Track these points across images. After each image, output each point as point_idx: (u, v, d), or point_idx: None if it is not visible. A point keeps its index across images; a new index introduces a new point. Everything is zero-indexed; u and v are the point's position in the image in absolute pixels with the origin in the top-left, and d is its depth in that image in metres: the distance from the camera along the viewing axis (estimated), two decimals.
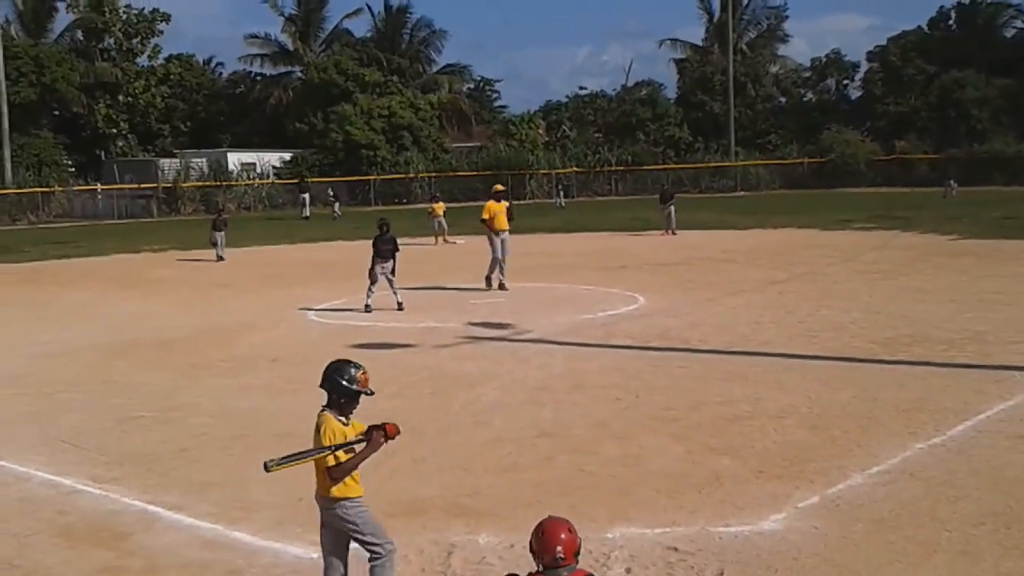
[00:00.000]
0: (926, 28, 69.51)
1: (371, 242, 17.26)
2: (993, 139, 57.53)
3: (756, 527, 6.69)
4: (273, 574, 6.15)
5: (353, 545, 5.30)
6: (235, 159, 57.58)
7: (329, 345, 14.05)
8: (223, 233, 27.32)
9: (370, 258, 16.97)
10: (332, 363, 5.38)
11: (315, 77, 61.87)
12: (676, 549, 6.33)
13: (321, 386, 5.31)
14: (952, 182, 45.74)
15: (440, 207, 31.58)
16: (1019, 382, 10.41)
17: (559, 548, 4.17)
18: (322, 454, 5.11)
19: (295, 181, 50.00)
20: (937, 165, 55.73)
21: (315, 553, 6.44)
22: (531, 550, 4.28)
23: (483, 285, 19.15)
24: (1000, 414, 9.23)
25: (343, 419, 5.26)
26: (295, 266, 25.48)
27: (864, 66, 71.88)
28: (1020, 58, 61.06)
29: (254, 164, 57.27)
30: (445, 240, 30.61)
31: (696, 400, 10.16)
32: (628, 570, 6.05)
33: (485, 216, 19.77)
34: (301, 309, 17.41)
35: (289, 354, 13.52)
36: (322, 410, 5.26)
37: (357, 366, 5.38)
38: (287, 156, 58.70)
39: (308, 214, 44.57)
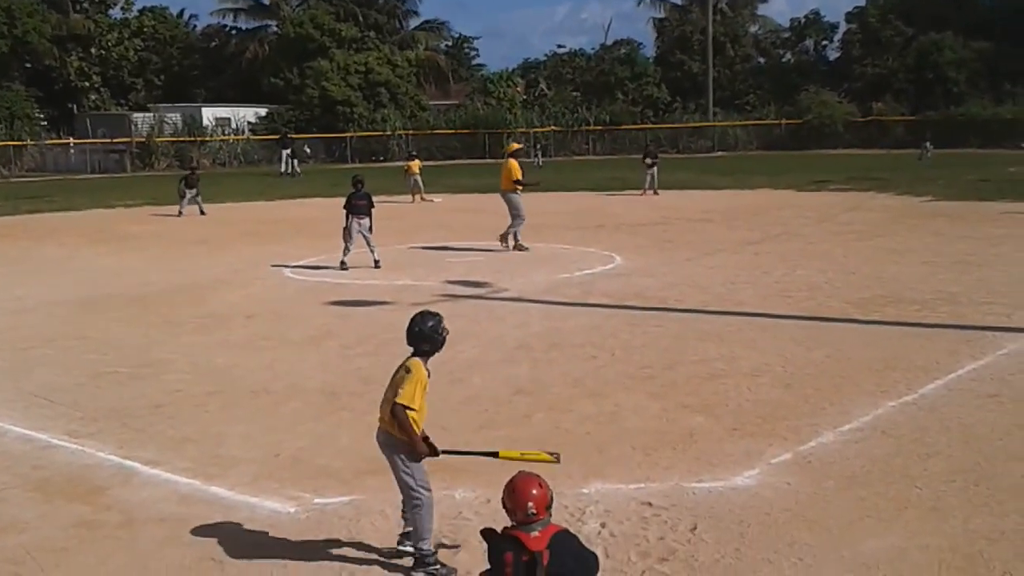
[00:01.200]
0: None
1: (345, 199, 17.14)
2: (969, 102, 57.66)
3: (729, 483, 6.77)
4: (250, 528, 6.17)
5: None
6: (209, 114, 56.89)
7: (305, 302, 14.04)
8: (195, 191, 27.14)
9: (344, 215, 16.87)
10: (420, 316, 5.60)
11: (291, 31, 61.11)
12: (650, 504, 6.41)
13: (412, 340, 5.54)
14: (928, 144, 45.89)
15: (416, 165, 31.41)
16: (991, 342, 10.54)
17: (531, 504, 4.22)
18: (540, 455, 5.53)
19: (276, 137, 49.40)
20: (913, 127, 55.87)
21: (292, 507, 6.50)
22: (504, 506, 4.32)
23: (502, 245, 18.65)
24: (971, 373, 9.35)
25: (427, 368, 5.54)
26: (271, 223, 25.31)
27: (843, 27, 71.89)
28: (997, 21, 61.08)
29: (229, 119, 56.59)
30: (422, 198, 30.49)
31: (672, 359, 10.23)
32: (603, 524, 6.12)
33: (518, 176, 18.93)
34: (277, 266, 17.32)
35: (265, 311, 13.48)
36: (413, 355, 5.52)
37: (438, 315, 5.65)
38: (263, 112, 58.06)
39: (290, 170, 44.06)
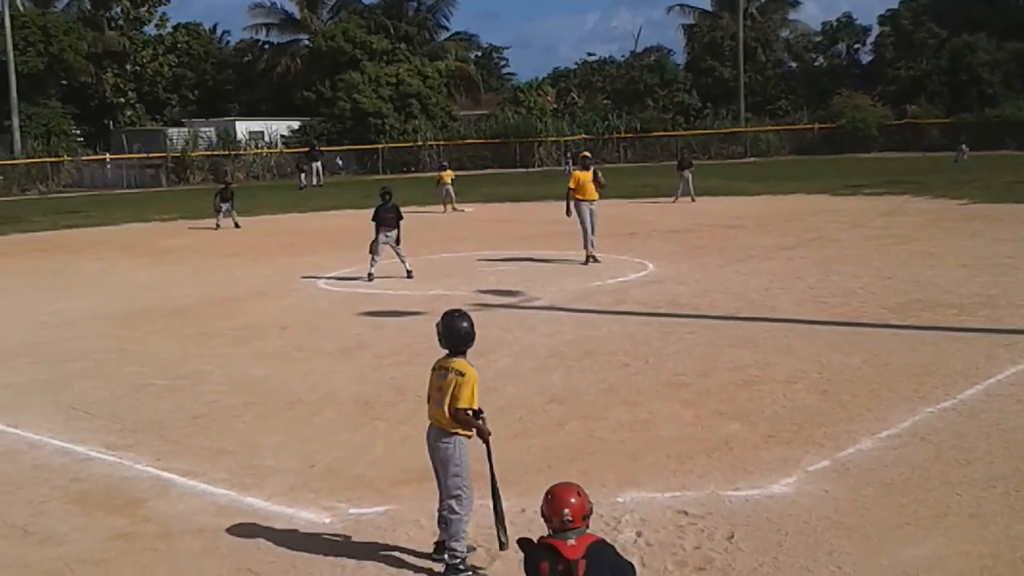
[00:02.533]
0: None
1: (373, 211, 17.19)
2: (1005, 103, 56.99)
3: (766, 491, 6.71)
4: (286, 539, 6.19)
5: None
6: (243, 128, 57.39)
7: (339, 313, 14.11)
8: (230, 204, 27.40)
9: (373, 228, 16.93)
10: (452, 318, 5.79)
11: (322, 45, 61.55)
12: (686, 513, 6.36)
13: (452, 341, 5.73)
14: (964, 147, 45.41)
15: (449, 175, 31.52)
16: None
17: (567, 511, 4.20)
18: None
19: (305, 150, 49.89)
20: (948, 130, 55.31)
21: (328, 518, 6.52)
22: (542, 514, 4.31)
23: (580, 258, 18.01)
24: (1011, 378, 9.22)
25: None
26: (304, 235, 25.50)
27: (875, 30, 71.30)
28: None
29: (262, 133, 57.10)
30: (454, 208, 30.55)
31: (706, 366, 10.16)
32: (639, 534, 6.08)
33: (572, 185, 18.36)
34: (310, 277, 17.43)
35: (299, 322, 13.56)
36: (457, 357, 5.70)
37: (465, 313, 5.87)
38: (295, 124, 58.51)
39: (321, 182, 44.57)
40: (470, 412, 5.59)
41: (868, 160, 50.56)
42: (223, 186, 29.07)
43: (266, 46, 70.23)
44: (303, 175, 44.10)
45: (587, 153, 20.40)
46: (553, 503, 4.25)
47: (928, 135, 57.97)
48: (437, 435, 5.72)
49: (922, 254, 17.55)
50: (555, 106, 64.38)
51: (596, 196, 18.23)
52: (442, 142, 56.23)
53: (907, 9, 67.49)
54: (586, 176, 18.29)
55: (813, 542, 5.88)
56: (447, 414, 5.61)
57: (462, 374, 5.59)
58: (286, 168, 53.76)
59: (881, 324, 11.86)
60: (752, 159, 57.35)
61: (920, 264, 16.35)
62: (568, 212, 18.31)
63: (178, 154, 52.60)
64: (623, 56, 75.95)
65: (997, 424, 7.89)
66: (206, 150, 54.23)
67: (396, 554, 5.94)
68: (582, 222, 18.02)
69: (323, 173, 46.31)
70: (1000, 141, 52.16)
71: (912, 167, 42.18)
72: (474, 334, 5.77)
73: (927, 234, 20.44)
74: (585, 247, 18.02)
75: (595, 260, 17.88)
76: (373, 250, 16.79)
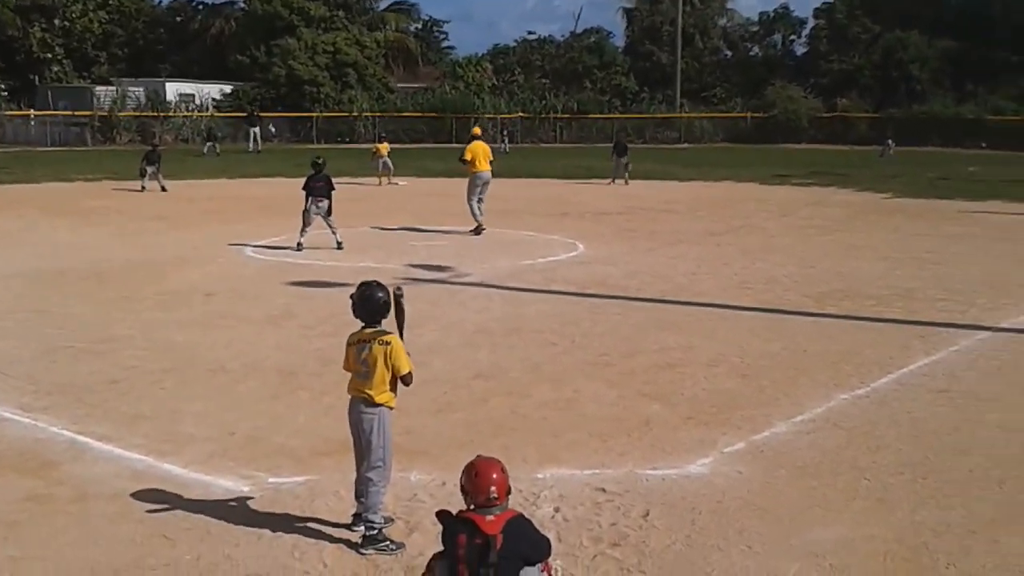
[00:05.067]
0: None
1: (304, 181, 17.01)
2: (932, 100, 58.41)
3: (683, 470, 6.85)
4: (204, 506, 6.14)
5: None
6: (173, 89, 56.15)
7: (266, 282, 13.96)
8: (156, 167, 26.86)
9: (304, 197, 16.75)
10: (372, 287, 5.75)
11: (259, 8, 60.36)
12: (604, 490, 6.46)
13: (367, 313, 5.71)
14: (890, 141, 46.43)
15: (385, 147, 31.29)
16: (944, 338, 10.71)
17: (493, 488, 4.23)
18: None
19: (244, 115, 49.05)
20: (877, 124, 56.47)
21: (246, 487, 6.48)
22: (462, 489, 4.33)
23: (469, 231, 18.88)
24: (923, 368, 9.50)
25: None
26: (233, 201, 25.10)
27: (811, 22, 72.41)
28: (962, 21, 61.77)
29: (193, 95, 55.92)
30: (390, 181, 30.34)
31: (631, 347, 10.30)
32: (557, 509, 6.16)
33: (467, 156, 19.21)
34: (238, 245, 17.20)
35: (225, 289, 13.39)
36: (384, 332, 5.69)
37: (379, 283, 5.81)
38: (227, 89, 57.41)
39: (259, 149, 43.97)
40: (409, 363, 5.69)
41: (798, 151, 51.42)
42: (150, 148, 28.52)
43: (200, 6, 68.73)
44: (210, 144, 42.90)
45: (477, 130, 21.12)
46: (476, 479, 4.26)
47: (857, 129, 59.11)
48: (362, 407, 5.71)
49: (845, 245, 17.95)
50: (493, 83, 64.18)
51: (488, 168, 19.23)
52: (378, 113, 55.76)
53: (842, 3, 68.63)
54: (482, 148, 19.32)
55: (725, 521, 6.02)
56: (387, 385, 5.66)
57: (387, 343, 5.62)
58: (217, 132, 52.83)
59: (802, 312, 12.13)
60: (686, 145, 57.90)
61: (842, 255, 16.72)
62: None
63: (105, 113, 51.24)
64: (563, 36, 76.11)
65: (907, 413, 8.14)
66: (134, 110, 52.92)
67: (314, 524, 5.93)
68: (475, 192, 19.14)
69: (260, 140, 45.69)
70: (926, 137, 53.42)
71: (840, 159, 43.02)
72: (390, 305, 5.75)
73: (851, 226, 20.91)
74: (475, 218, 18.98)
75: (478, 232, 18.77)
76: (304, 220, 16.63)
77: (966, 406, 8.33)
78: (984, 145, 51.28)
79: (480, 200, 19.10)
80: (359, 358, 5.69)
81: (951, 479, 6.72)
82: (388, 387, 5.68)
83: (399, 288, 5.79)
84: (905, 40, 61.86)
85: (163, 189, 26.57)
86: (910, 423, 7.89)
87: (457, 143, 54.23)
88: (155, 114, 52.51)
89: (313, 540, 5.73)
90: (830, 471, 6.86)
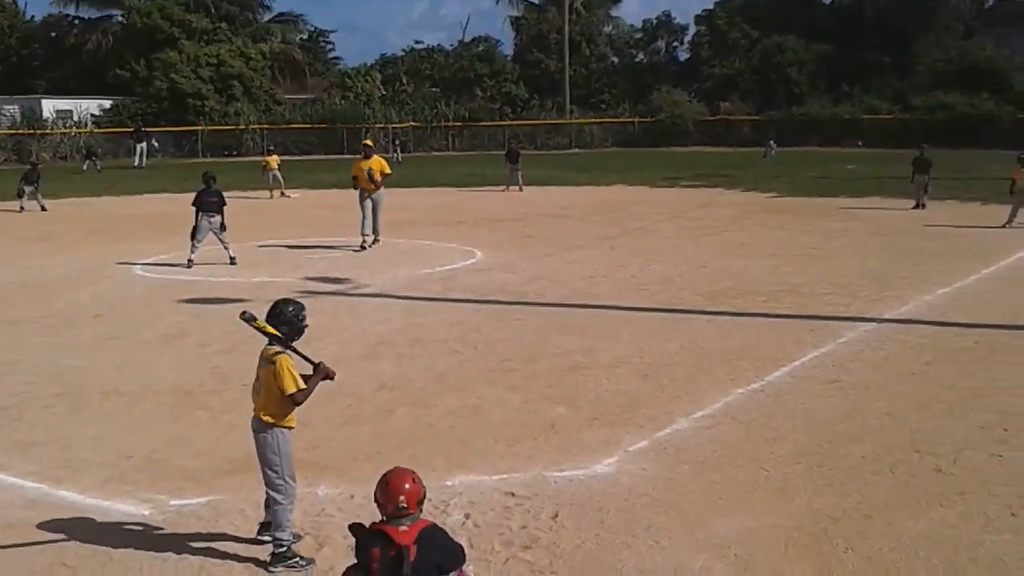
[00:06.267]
0: None
1: (194, 196, 16.64)
2: (810, 102, 60.35)
3: (590, 471, 6.94)
4: (104, 532, 5.96)
5: None
6: (50, 106, 54.26)
7: (157, 301, 13.60)
8: (35, 186, 25.92)
9: (194, 214, 16.39)
10: (284, 302, 5.71)
11: (137, 22, 58.78)
12: (513, 494, 6.51)
13: (273, 324, 5.61)
14: (772, 143, 47.83)
15: (275, 160, 30.75)
16: (831, 331, 11.11)
17: (402, 498, 4.22)
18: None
19: (130, 131, 47.66)
20: (758, 127, 58.12)
21: (147, 510, 6.32)
22: (376, 501, 4.31)
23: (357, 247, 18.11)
24: (813, 361, 9.84)
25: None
26: (117, 219, 24.36)
27: (692, 29, 74.15)
28: (836, 25, 64.06)
29: (71, 112, 54.11)
30: (282, 194, 29.87)
31: (533, 352, 10.38)
32: (467, 515, 6.18)
33: (354, 174, 18.49)
34: (125, 264, 16.71)
35: (114, 310, 13.00)
36: (277, 352, 5.54)
37: (300, 303, 5.76)
38: (107, 104, 55.74)
39: (143, 164, 42.85)
40: (302, 388, 5.52)
41: (684, 154, 52.55)
42: (29, 167, 27.46)
43: (76, 21, 66.43)
44: (90, 161, 41.68)
45: (368, 141, 20.23)
46: (388, 490, 4.25)
47: (739, 131, 60.72)
48: (256, 426, 5.66)
49: (734, 244, 18.44)
50: (383, 93, 63.84)
51: (370, 187, 18.12)
52: (266, 126, 54.86)
53: (722, 9, 70.47)
54: (367, 165, 18.22)
55: (633, 519, 6.13)
56: (278, 406, 5.56)
57: (273, 362, 5.52)
58: (97, 149, 51.25)
59: (697, 311, 12.42)
60: (576, 150, 58.58)
61: (732, 254, 17.17)
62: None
63: None
64: (452, 45, 76.17)
65: (801, 404, 8.42)
66: (9, 128, 50.93)
67: (220, 544, 5.82)
68: (361, 210, 18.20)
69: (146, 155, 44.49)
70: (805, 138, 55.19)
71: (725, 161, 44.14)
72: (293, 321, 5.63)
73: (738, 225, 21.49)
74: (361, 233, 18.16)
75: (362, 248, 17.98)
76: (194, 236, 16.26)
77: (856, 396, 8.66)
78: (860, 144, 53.31)
79: (366, 216, 18.22)
80: (257, 376, 5.66)
81: (845, 466, 6.97)
82: (279, 407, 5.56)
83: (245, 312, 5.60)
84: (782, 45, 63.81)
85: (43, 209, 25.61)
86: (804, 414, 8.16)
87: (349, 154, 53.93)
88: (31, 131, 50.60)
89: (220, 560, 5.63)
90: (731, 464, 7.05)
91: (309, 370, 5.61)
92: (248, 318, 5.54)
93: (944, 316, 11.86)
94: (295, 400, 5.54)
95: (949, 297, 13.08)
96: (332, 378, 5.67)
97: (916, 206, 23.84)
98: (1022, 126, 48.60)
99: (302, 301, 5.85)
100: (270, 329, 5.57)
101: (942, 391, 8.75)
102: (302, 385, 5.53)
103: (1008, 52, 56.84)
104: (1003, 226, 19.97)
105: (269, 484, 5.63)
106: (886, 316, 11.89)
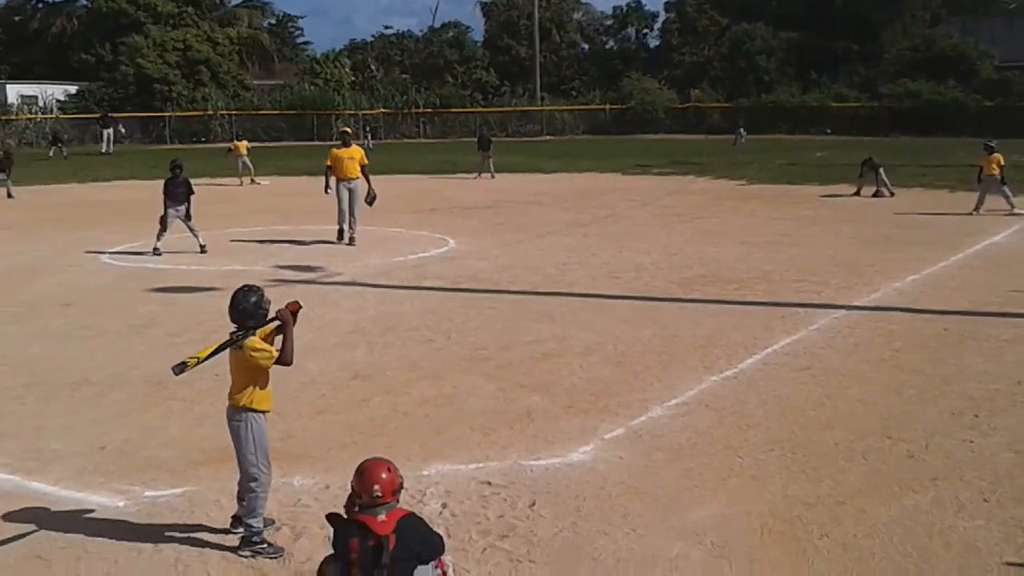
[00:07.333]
0: None
1: (162, 184, 16.46)
2: (779, 90, 60.72)
3: (565, 459, 6.96)
4: (79, 524, 5.90)
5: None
6: (15, 91, 53.58)
7: (125, 289, 13.47)
8: (5, 173, 25.57)
9: (163, 203, 16.21)
10: (243, 293, 5.67)
11: (102, 6, 58.13)
12: (490, 483, 6.51)
13: (237, 318, 5.60)
14: (742, 130, 48.10)
15: (244, 145, 30.48)
16: (802, 318, 11.19)
17: (376, 487, 4.22)
18: (232, 344, 5.51)
19: (96, 116, 47.10)
20: (728, 114, 58.45)
21: (121, 502, 6.26)
22: (352, 491, 4.31)
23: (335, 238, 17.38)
24: (785, 347, 9.91)
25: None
26: (84, 207, 24.08)
27: (662, 16, 74.32)
28: (805, 13, 64.40)
29: (36, 97, 53.43)
30: (252, 180, 29.61)
31: (507, 340, 10.38)
32: (444, 505, 6.18)
33: (329, 163, 17.49)
34: (93, 252, 16.52)
35: (82, 299, 12.86)
36: (245, 335, 5.53)
37: (259, 289, 5.77)
38: (72, 89, 55.07)
39: (110, 150, 42.42)
40: (278, 352, 5.59)
41: (655, 141, 52.68)
42: (3, 155, 27.02)
43: (40, 5, 65.55)
44: (56, 147, 41.26)
45: (347, 129, 19.08)
46: (363, 479, 4.25)
47: (710, 118, 61.00)
48: (230, 413, 5.65)
49: (705, 232, 18.53)
50: (353, 79, 63.47)
51: (356, 175, 17.22)
52: (234, 112, 54.46)
53: None
54: (346, 153, 17.30)
55: (609, 507, 6.15)
56: (250, 388, 5.57)
57: (240, 346, 5.52)
58: (63, 135, 50.62)
59: (669, 298, 12.47)
60: (548, 137, 58.59)
61: (703, 241, 17.25)
62: (326, 189, 17.73)
63: None
64: (421, 31, 75.89)
65: (774, 391, 8.48)
66: None
67: (195, 535, 5.78)
68: (339, 201, 17.31)
69: (113, 141, 44.12)
70: (774, 125, 55.53)
71: (695, 148, 44.29)
72: (256, 312, 5.62)
73: (709, 213, 21.58)
74: (339, 224, 17.34)
75: (350, 242, 17.12)
76: (161, 224, 16.10)
77: (827, 382, 8.73)
78: (829, 131, 53.74)
79: (343, 208, 17.35)
80: (231, 363, 5.65)
81: (818, 453, 7.03)
82: (252, 388, 5.57)
83: (175, 368, 5.46)
84: (752, 32, 64.11)
85: (10, 195, 25.28)
86: (777, 401, 8.22)
87: (320, 141, 53.66)
88: None
89: (196, 551, 5.59)
90: (705, 451, 7.09)
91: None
92: (179, 369, 5.45)
93: (914, 303, 11.97)
94: (285, 364, 5.61)
95: (919, 284, 13.21)
96: (298, 309, 5.77)
97: (856, 193, 24.12)
98: (989, 113, 49.20)
99: (262, 286, 5.87)
100: (214, 346, 5.54)
101: (913, 377, 8.84)
102: (275, 353, 5.57)
103: (974, 40, 57.42)
104: (971, 213, 20.18)
105: (244, 472, 5.62)
106: (857, 303, 11.99)
